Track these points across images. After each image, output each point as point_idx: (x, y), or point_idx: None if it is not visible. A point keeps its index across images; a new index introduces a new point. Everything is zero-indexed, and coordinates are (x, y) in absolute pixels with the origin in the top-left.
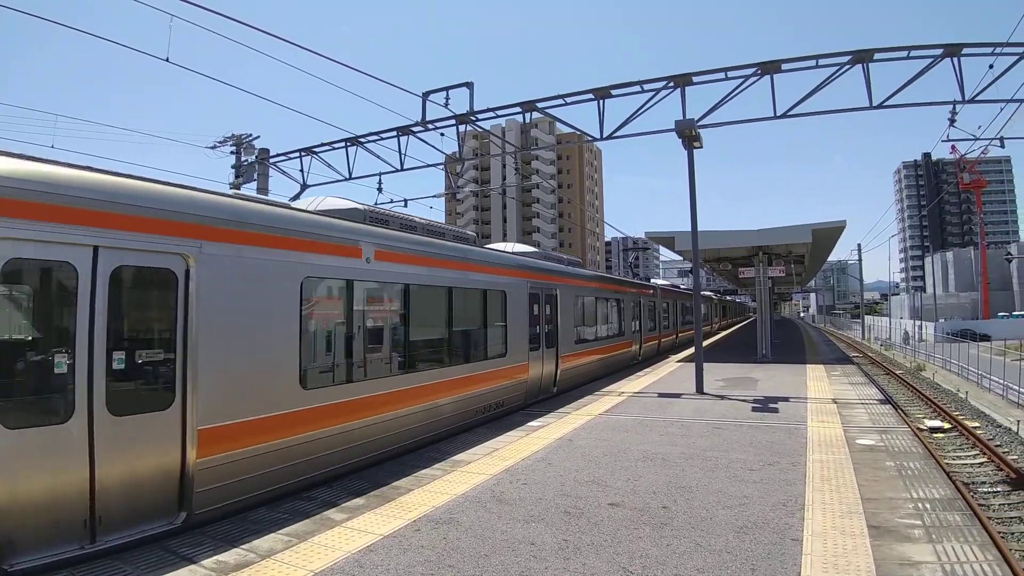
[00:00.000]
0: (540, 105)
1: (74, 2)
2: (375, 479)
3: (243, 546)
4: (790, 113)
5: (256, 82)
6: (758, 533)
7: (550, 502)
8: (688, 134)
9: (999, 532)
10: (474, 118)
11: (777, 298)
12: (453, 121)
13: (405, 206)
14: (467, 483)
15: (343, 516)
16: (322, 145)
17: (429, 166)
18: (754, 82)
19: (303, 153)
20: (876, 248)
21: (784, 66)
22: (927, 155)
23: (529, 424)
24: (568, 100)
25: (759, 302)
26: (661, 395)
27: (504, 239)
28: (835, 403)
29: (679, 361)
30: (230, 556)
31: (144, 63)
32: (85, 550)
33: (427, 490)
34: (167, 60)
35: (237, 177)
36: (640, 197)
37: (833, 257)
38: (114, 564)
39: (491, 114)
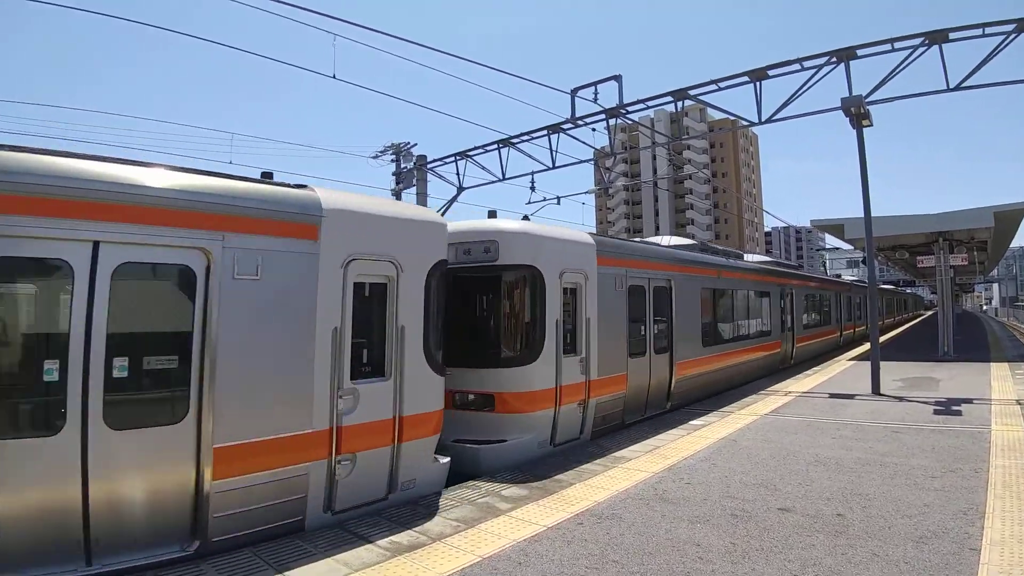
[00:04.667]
0: (692, 92)
1: (244, 29)
2: (535, 472)
3: (415, 528)
4: (963, 85)
5: (411, 90)
6: (937, 543)
7: (715, 503)
8: (856, 112)
9: None
10: (624, 111)
11: (959, 289)
12: (603, 116)
13: (558, 203)
14: (628, 480)
15: (507, 506)
16: (476, 148)
17: (581, 162)
18: (923, 52)
19: (458, 157)
20: None
21: (951, 35)
22: None
23: (691, 423)
24: (722, 85)
25: (940, 294)
26: (832, 396)
27: (656, 232)
28: (1019, 404)
29: (851, 360)
30: (403, 537)
31: (308, 80)
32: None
33: (588, 485)
34: (334, 77)
35: (397, 184)
36: (802, 183)
37: (1016, 243)
38: (294, 542)
39: (641, 105)
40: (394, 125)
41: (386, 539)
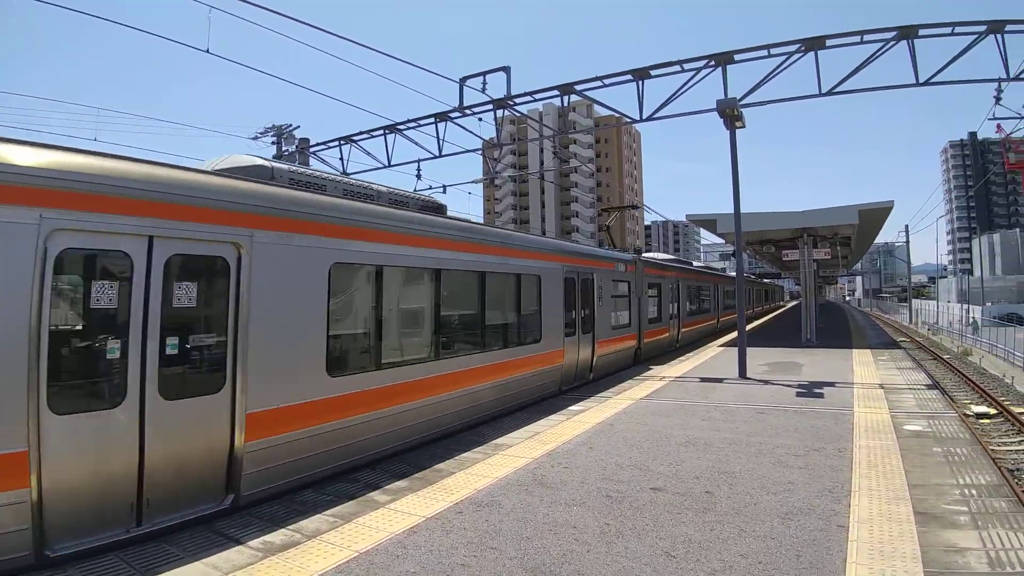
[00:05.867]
0: (578, 88)
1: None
2: (417, 462)
3: (290, 527)
4: (835, 90)
5: (296, 72)
6: (804, 519)
7: (592, 486)
8: (730, 113)
9: None
10: (511, 102)
11: (822, 281)
12: (491, 106)
13: (444, 192)
14: (509, 466)
15: (387, 498)
16: (361, 133)
17: (467, 151)
18: (798, 59)
19: (343, 142)
20: (924, 230)
21: (829, 42)
22: (973, 134)
23: (570, 408)
24: (607, 82)
25: (803, 285)
26: (703, 380)
27: (543, 223)
28: (882, 388)
29: (721, 346)
30: (277, 536)
31: (186, 55)
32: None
33: (469, 473)
34: (207, 51)
35: None
36: (681, 181)
37: (880, 239)
38: (161, 546)
39: (528, 98)
40: (278, 106)
41: (259, 539)
